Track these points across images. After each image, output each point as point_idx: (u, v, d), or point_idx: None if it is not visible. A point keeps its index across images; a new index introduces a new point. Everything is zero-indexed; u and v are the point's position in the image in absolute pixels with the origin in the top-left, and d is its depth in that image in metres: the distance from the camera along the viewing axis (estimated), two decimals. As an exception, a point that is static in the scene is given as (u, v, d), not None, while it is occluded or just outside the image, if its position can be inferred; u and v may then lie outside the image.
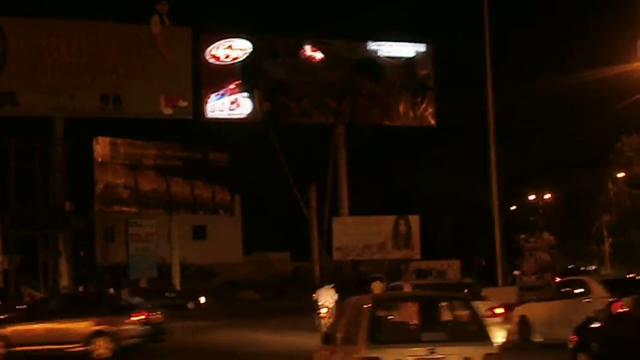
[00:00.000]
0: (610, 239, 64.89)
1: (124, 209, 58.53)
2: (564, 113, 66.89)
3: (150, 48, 56.30)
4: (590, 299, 21.23)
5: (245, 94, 59.30)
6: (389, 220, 63.08)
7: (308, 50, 61.29)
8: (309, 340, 23.58)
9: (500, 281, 39.21)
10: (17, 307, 34.60)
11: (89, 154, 56.50)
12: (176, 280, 60.13)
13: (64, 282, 53.04)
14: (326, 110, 61.76)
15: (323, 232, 64.11)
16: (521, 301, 27.32)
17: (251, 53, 59.60)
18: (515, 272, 63.16)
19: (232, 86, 58.96)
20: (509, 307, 23.59)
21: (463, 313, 12.33)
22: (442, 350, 11.11)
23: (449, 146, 65.37)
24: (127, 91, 55.39)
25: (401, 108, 63.05)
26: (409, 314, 12.34)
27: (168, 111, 56.78)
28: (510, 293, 33.91)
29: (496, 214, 38.91)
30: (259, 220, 70.60)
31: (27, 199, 53.69)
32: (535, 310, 22.86)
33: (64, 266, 53.47)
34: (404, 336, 11.54)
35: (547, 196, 74.63)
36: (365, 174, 65.58)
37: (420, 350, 11.09)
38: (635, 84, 43.04)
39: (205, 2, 67.86)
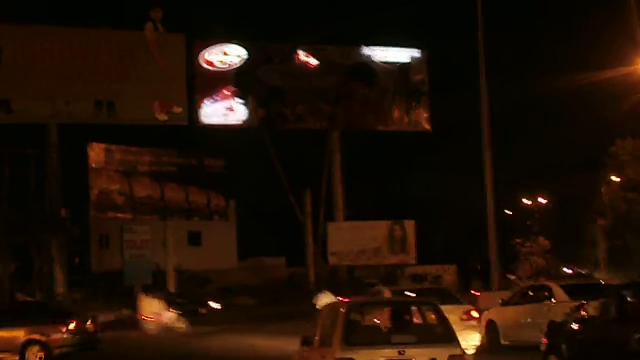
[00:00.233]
0: (605, 243, 64.86)
1: (119, 215, 58.46)
2: (558, 117, 66.94)
3: (144, 54, 56.33)
4: (553, 303, 22.05)
5: (240, 100, 59.34)
6: (384, 225, 63.08)
7: (302, 56, 61.35)
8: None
9: (495, 285, 39.23)
10: None
11: (84, 160, 56.41)
12: (171, 287, 60.04)
13: (59, 288, 52.93)
14: (321, 116, 61.81)
15: (318, 237, 64.06)
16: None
17: (245, 59, 59.66)
18: (511, 277, 63.08)
19: (226, 92, 59.02)
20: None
21: (432, 317, 13.04)
22: (410, 352, 11.83)
23: (444, 151, 65.36)
24: (121, 97, 55.39)
25: (395, 113, 63.13)
26: (382, 317, 13.15)
27: (162, 117, 56.78)
28: (504, 297, 33.90)
29: (491, 219, 38.93)
30: (254, 225, 70.56)
31: (22, 206, 53.58)
32: (502, 315, 23.39)
33: (58, 273, 53.39)
34: (376, 338, 12.28)
35: (542, 200, 74.62)
36: (360, 179, 65.52)
37: (390, 352, 11.82)
38: (631, 87, 43.11)
39: (199, 8, 67.84)
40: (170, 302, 36.89)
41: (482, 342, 21.62)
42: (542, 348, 16.68)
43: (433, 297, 20.67)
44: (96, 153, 57.05)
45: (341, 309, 12.58)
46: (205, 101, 58.48)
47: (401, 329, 12.47)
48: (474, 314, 21.29)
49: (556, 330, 16.80)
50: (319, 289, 38.59)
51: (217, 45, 59.44)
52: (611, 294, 16.14)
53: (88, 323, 26.79)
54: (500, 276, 42.40)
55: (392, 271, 64.20)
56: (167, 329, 34.28)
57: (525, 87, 57.44)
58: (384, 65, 62.92)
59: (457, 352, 12.13)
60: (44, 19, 55.04)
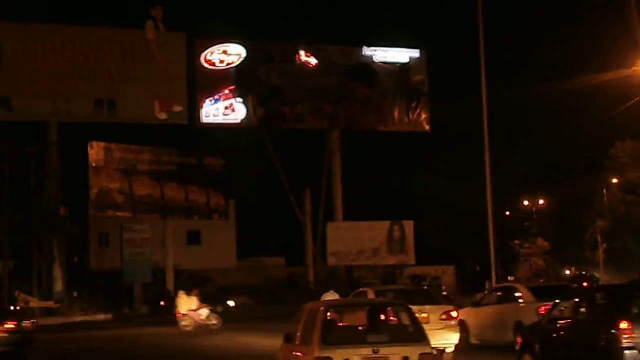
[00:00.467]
0: (604, 245, 64.91)
1: (119, 214, 58.43)
2: (559, 119, 66.98)
3: (144, 53, 56.38)
4: (521, 305, 22.76)
5: (241, 100, 59.39)
6: (383, 226, 63.14)
7: (302, 55, 61.39)
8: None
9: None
10: None
11: (84, 159, 56.38)
12: (170, 286, 59.99)
13: (58, 287, 52.97)
14: (321, 116, 61.87)
15: (318, 238, 64.10)
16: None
17: (246, 58, 59.72)
18: (510, 278, 63.12)
19: (226, 91, 59.07)
20: None
21: (404, 317, 13.83)
22: (384, 351, 12.61)
23: (444, 152, 65.40)
24: (122, 96, 55.44)
25: (396, 114, 63.18)
26: (359, 318, 13.86)
27: (163, 116, 56.82)
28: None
29: (490, 220, 38.92)
30: (254, 225, 70.46)
31: (22, 204, 53.58)
32: (472, 315, 24.03)
33: (58, 271, 53.41)
34: (352, 338, 13.02)
35: (542, 202, 74.66)
36: (360, 180, 65.57)
37: (366, 351, 12.59)
38: (631, 90, 43.12)
39: (200, 7, 67.86)
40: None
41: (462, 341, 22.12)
42: (517, 347, 17.15)
43: (417, 298, 21.60)
44: (96, 152, 57.02)
45: (320, 310, 13.30)
46: (207, 101, 58.56)
47: (376, 329, 13.20)
48: (454, 314, 21.72)
49: (531, 330, 17.44)
50: (326, 288, 38.70)
51: (218, 44, 59.49)
52: (583, 295, 16.85)
53: (26, 323, 27.48)
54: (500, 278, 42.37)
55: (391, 272, 64.24)
56: (202, 326, 34.45)
57: (526, 89, 57.48)
58: (385, 65, 62.99)
59: (428, 350, 12.81)
60: (45, 18, 55.12)
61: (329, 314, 13.40)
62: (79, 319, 48.51)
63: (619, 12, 41.52)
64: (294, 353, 13.78)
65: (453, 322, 21.31)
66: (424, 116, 63.59)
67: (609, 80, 41.92)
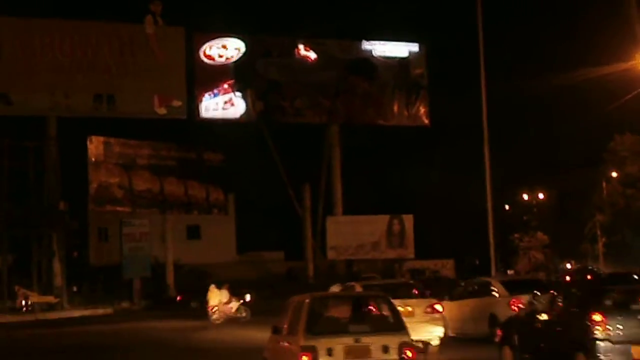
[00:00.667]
0: (603, 239, 64.91)
1: (118, 208, 58.41)
2: (558, 112, 66.97)
3: (143, 48, 56.35)
4: (494, 298, 23.24)
5: (239, 94, 59.36)
6: (382, 220, 63.16)
7: (301, 50, 61.35)
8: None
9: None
10: None
11: (83, 153, 56.36)
12: (170, 280, 60.06)
13: (58, 281, 52.97)
14: (320, 110, 61.85)
15: (317, 232, 64.13)
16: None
17: (244, 53, 59.68)
18: (509, 272, 63.15)
19: (225, 86, 59.03)
20: None
21: (385, 309, 14.39)
22: (365, 340, 13.18)
23: (443, 146, 65.40)
24: (121, 91, 55.43)
25: (395, 107, 63.15)
26: (343, 310, 14.44)
27: (162, 111, 56.81)
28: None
29: (490, 214, 38.97)
30: (253, 219, 70.47)
31: (21, 199, 53.56)
32: (449, 308, 24.06)
33: (57, 266, 53.42)
34: (335, 328, 13.56)
35: (541, 195, 74.66)
36: (359, 174, 65.54)
37: (348, 340, 13.14)
38: (629, 83, 43.11)
39: (199, 2, 67.78)
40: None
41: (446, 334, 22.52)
42: (497, 339, 17.63)
43: (403, 291, 22.18)
44: (95, 146, 56.99)
45: (306, 302, 13.87)
46: (206, 95, 58.53)
47: (358, 320, 13.84)
48: (438, 307, 21.96)
49: (509, 322, 17.91)
50: (326, 282, 38.90)
51: (217, 39, 59.46)
52: (559, 287, 17.56)
53: None
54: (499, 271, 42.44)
55: (391, 265, 64.28)
56: (231, 319, 34.75)
57: (525, 82, 57.42)
58: (384, 59, 62.94)
59: (406, 339, 13.37)
60: (44, 13, 55.05)
61: (314, 305, 13.94)
62: (78, 313, 48.49)
63: (618, 6, 41.51)
64: (281, 343, 14.37)
65: (437, 315, 21.55)
66: (423, 110, 63.56)
67: (607, 74, 41.90)
